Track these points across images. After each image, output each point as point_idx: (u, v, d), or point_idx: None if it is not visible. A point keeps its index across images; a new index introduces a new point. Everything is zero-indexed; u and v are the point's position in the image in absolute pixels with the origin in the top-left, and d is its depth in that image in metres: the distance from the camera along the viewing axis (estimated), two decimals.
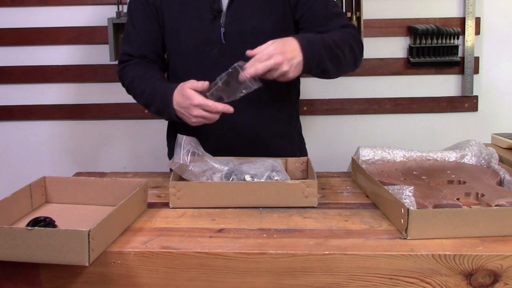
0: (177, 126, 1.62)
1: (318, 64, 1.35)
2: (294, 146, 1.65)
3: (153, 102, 1.47)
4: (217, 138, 1.54)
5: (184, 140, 1.34)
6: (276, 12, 1.50)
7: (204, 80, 1.35)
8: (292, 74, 1.30)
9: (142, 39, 1.55)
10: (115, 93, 2.43)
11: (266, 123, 1.57)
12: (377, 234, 1.10)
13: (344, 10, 2.32)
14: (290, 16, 1.52)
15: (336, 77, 1.49)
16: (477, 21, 2.37)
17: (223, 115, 1.46)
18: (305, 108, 2.37)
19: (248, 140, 1.55)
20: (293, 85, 1.63)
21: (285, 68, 1.27)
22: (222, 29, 1.48)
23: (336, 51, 1.39)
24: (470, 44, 2.36)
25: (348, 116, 2.45)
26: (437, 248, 1.03)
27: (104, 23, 2.30)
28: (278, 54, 1.26)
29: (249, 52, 1.29)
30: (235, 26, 1.48)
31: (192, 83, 1.34)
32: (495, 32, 2.40)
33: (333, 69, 1.41)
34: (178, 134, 1.36)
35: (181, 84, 1.37)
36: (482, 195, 1.20)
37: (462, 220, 1.06)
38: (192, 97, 1.32)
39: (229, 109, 1.32)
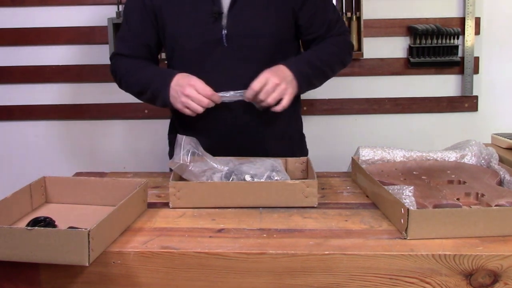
0: (178, 126, 1.62)
1: (308, 83, 1.50)
2: (294, 147, 1.65)
3: (150, 86, 1.48)
4: (216, 139, 1.54)
5: (184, 140, 1.34)
6: (278, 16, 1.50)
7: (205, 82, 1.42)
8: (291, 91, 1.42)
9: (137, 40, 1.56)
10: (115, 93, 2.41)
11: (264, 124, 1.56)
12: (377, 234, 1.10)
13: (344, 10, 2.32)
14: (292, 20, 1.53)
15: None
16: (477, 21, 2.37)
17: (222, 114, 1.49)
18: (305, 108, 2.37)
19: (246, 141, 1.55)
20: None
21: (283, 85, 1.39)
22: (224, 31, 1.48)
23: (322, 69, 1.53)
24: (470, 44, 2.36)
25: (348, 116, 2.45)
26: (437, 248, 1.03)
27: (104, 23, 2.30)
28: (273, 77, 1.38)
29: (248, 93, 1.40)
30: (237, 28, 1.48)
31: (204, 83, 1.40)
32: (495, 32, 2.40)
33: (319, 83, 1.57)
34: (178, 134, 1.37)
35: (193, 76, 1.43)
36: (482, 195, 1.20)
37: (462, 220, 1.06)
38: (193, 78, 1.40)
39: (216, 99, 1.40)
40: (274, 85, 1.38)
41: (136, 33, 1.56)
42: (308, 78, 1.48)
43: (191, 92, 1.38)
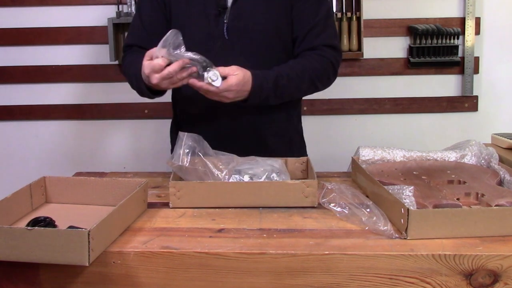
0: (180, 123, 1.63)
1: (261, 101, 1.45)
2: (292, 147, 1.64)
3: (136, 82, 1.47)
4: (217, 135, 1.54)
5: (185, 137, 1.33)
6: (278, 10, 1.52)
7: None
8: (228, 101, 1.40)
9: (145, 31, 1.57)
10: (115, 93, 2.43)
11: (265, 121, 1.57)
12: (377, 234, 1.10)
13: (344, 10, 2.32)
14: (290, 15, 1.54)
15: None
16: (477, 21, 2.37)
17: (224, 112, 1.51)
18: (305, 108, 2.37)
19: (246, 137, 1.55)
20: None
21: (227, 100, 1.38)
22: (225, 25, 1.50)
23: (287, 90, 1.48)
24: (470, 44, 2.37)
25: (348, 116, 2.45)
26: (437, 248, 1.03)
27: (104, 23, 2.30)
28: (232, 92, 1.35)
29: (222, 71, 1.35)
30: (238, 22, 1.50)
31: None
32: (495, 32, 2.40)
33: (277, 102, 1.51)
34: (180, 132, 1.36)
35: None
36: (482, 195, 1.20)
37: (462, 220, 1.06)
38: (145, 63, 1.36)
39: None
40: (225, 97, 1.36)
41: (146, 24, 1.57)
42: (266, 98, 1.45)
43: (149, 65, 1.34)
